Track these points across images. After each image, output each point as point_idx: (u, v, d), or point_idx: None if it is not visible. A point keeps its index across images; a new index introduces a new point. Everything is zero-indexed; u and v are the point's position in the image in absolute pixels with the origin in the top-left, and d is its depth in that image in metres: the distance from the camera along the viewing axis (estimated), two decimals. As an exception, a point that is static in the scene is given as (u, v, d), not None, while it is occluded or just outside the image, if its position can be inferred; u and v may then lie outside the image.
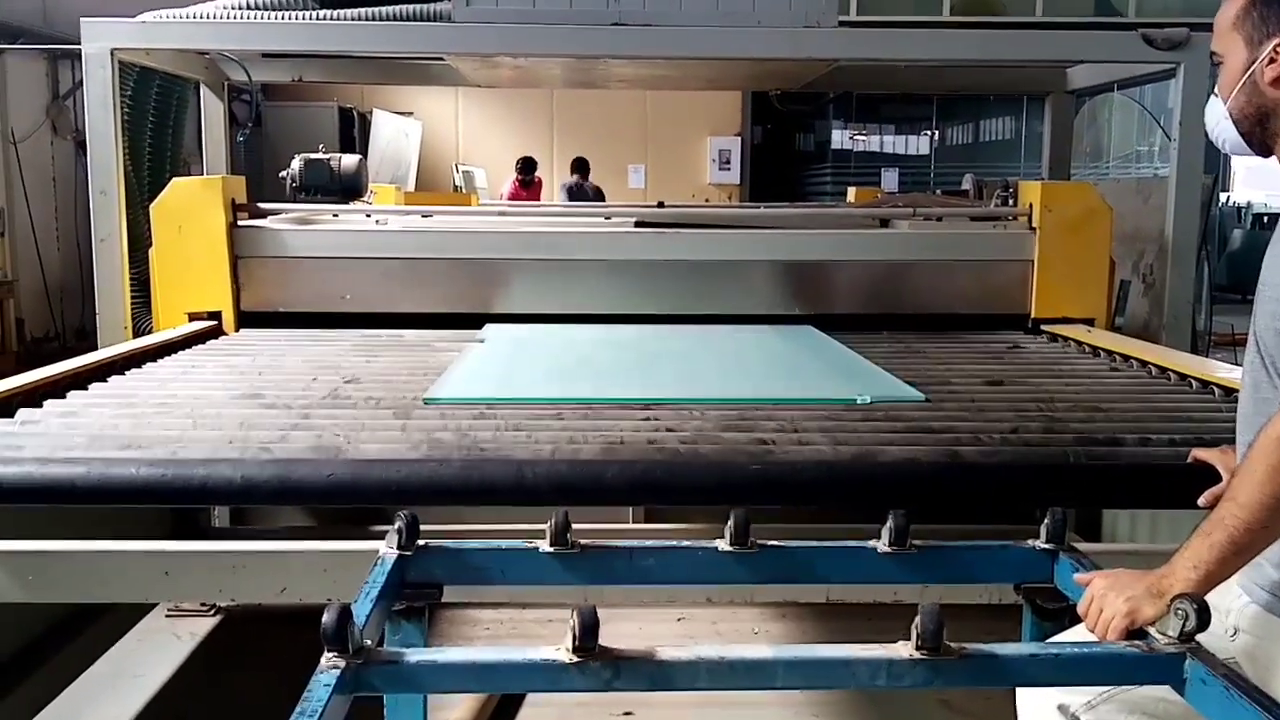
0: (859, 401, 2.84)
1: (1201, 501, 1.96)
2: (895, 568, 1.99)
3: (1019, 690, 1.95)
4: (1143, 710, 1.82)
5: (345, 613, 1.47)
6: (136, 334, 4.26)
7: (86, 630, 3.04)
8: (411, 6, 4.41)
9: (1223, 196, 14.33)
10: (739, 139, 14.23)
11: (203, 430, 2.55)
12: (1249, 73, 1.77)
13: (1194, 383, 3.20)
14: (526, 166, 12.01)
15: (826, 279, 4.40)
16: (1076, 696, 1.85)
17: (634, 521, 3.94)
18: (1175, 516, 2.69)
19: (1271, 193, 18.81)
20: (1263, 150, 1.82)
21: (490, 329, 4.06)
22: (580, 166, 12.26)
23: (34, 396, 2.90)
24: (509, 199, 11.15)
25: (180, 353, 3.70)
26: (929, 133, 16.80)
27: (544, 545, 1.96)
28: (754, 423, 2.66)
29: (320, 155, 5.00)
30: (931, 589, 2.14)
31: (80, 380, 3.15)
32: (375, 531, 2.88)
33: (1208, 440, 2.39)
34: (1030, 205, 4.33)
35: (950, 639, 1.52)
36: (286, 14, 4.46)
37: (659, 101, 13.58)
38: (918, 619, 1.51)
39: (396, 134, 12.33)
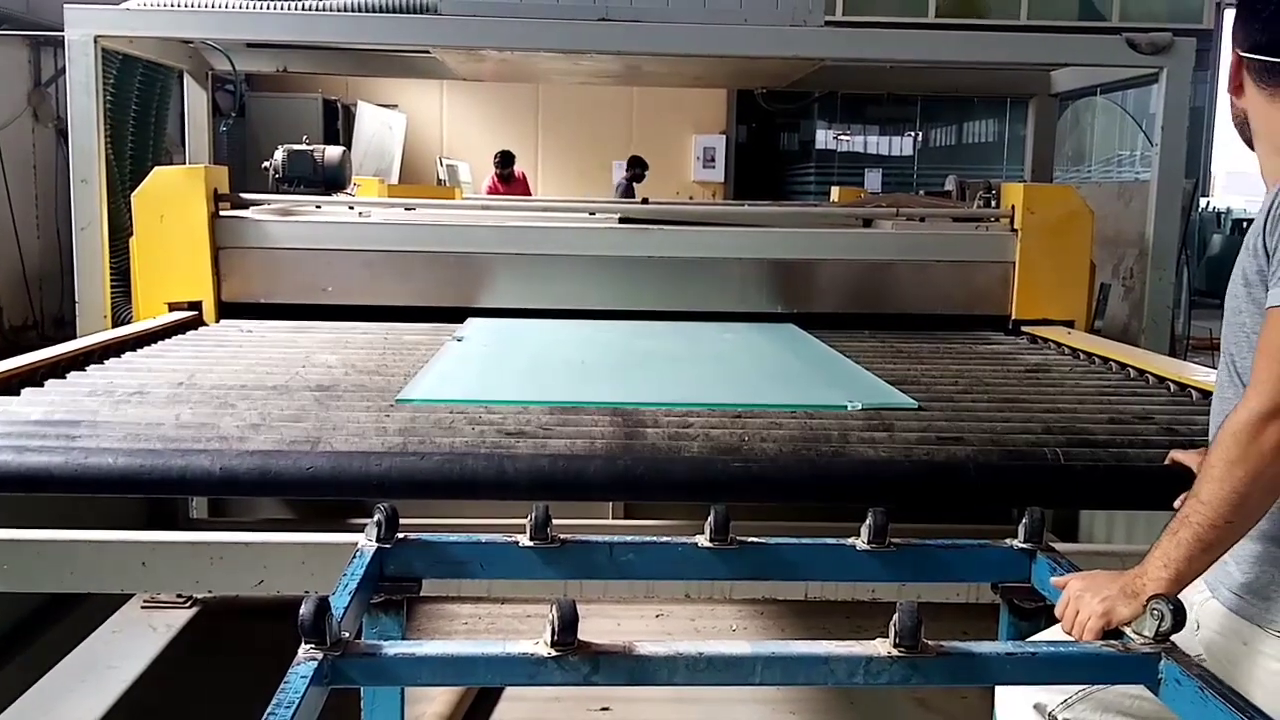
0: (849, 408, 2.80)
1: (1177, 504, 1.97)
2: (874, 566, 1.99)
3: (998, 688, 1.96)
4: (1118, 709, 1.83)
5: (323, 605, 1.46)
6: (116, 323, 4.24)
7: (61, 621, 3.02)
8: (397, -2, 4.40)
9: (1203, 201, 14.43)
10: (724, 137, 14.25)
11: (181, 421, 2.54)
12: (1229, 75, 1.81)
13: (1172, 385, 3.22)
14: (504, 160, 11.56)
15: (809, 277, 4.41)
16: (1053, 695, 1.86)
17: (614, 517, 3.94)
18: (1152, 517, 2.70)
19: (1251, 198, 18.93)
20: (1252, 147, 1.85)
21: (471, 324, 4.04)
22: (636, 164, 12.23)
23: (11, 385, 2.89)
24: (488, 194, 11.04)
25: (160, 342, 3.68)
26: (913, 134, 16.83)
27: (524, 539, 1.95)
28: (739, 422, 2.66)
29: (304, 147, 4.97)
30: (910, 587, 2.15)
31: (58, 369, 3.13)
32: (354, 524, 2.88)
33: (1184, 442, 2.41)
34: (1012, 207, 4.35)
35: (928, 637, 1.52)
36: (271, 3, 4.44)
37: (645, 98, 13.59)
38: (896, 617, 1.52)
39: (381, 126, 12.28)
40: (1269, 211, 1.69)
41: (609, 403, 2.78)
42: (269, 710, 1.31)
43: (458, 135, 13.94)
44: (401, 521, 1.97)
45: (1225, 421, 1.66)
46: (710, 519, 1.97)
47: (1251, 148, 1.85)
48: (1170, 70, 4.38)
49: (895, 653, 1.51)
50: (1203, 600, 1.77)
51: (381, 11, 4.34)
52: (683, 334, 3.98)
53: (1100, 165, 15.74)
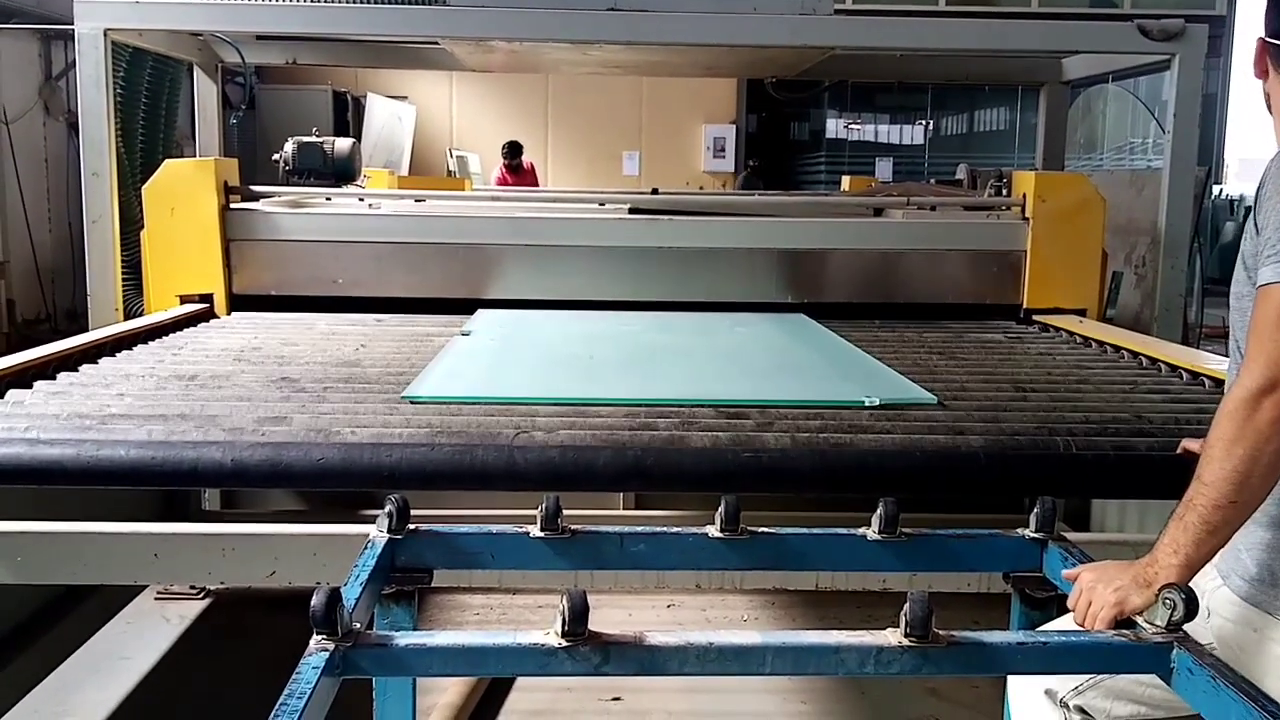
0: (866, 403, 2.74)
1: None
2: (885, 555, 1.99)
3: (1010, 676, 1.96)
4: (1128, 696, 1.83)
5: (335, 595, 1.47)
6: (128, 316, 4.25)
7: (74, 612, 3.03)
8: (406, -11, 4.39)
9: (1216, 189, 14.35)
10: (734, 126, 14.21)
11: (193, 413, 2.55)
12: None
13: (1184, 374, 3.21)
14: (512, 150, 11.39)
15: (820, 267, 4.40)
16: (1064, 682, 1.86)
17: (624, 507, 3.94)
18: (1165, 506, 2.69)
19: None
20: None
21: (479, 316, 4.04)
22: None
23: (24, 377, 2.90)
24: (497, 185, 10.99)
25: (171, 335, 3.69)
26: (923, 122, 16.77)
27: (535, 530, 1.96)
28: (749, 413, 2.65)
29: (314, 138, 4.98)
30: (920, 577, 2.14)
31: (71, 362, 3.14)
32: (366, 515, 2.88)
33: (1196, 431, 2.40)
34: (1024, 195, 4.34)
35: (939, 627, 1.52)
36: (280, -5, 4.45)
37: (654, 88, 13.56)
38: (906, 606, 1.51)
39: (390, 118, 12.29)
40: (1257, 191, 1.69)
41: (618, 400, 2.74)
42: (281, 701, 1.32)
43: (467, 126, 13.92)
44: (412, 513, 1.98)
45: (1222, 402, 1.65)
46: (721, 509, 1.97)
47: None
48: (1182, 57, 4.36)
49: (906, 642, 1.51)
50: (1214, 588, 1.77)
51: (390, 3, 4.34)
52: (694, 327, 3.96)
53: (1112, 153, 15.66)
